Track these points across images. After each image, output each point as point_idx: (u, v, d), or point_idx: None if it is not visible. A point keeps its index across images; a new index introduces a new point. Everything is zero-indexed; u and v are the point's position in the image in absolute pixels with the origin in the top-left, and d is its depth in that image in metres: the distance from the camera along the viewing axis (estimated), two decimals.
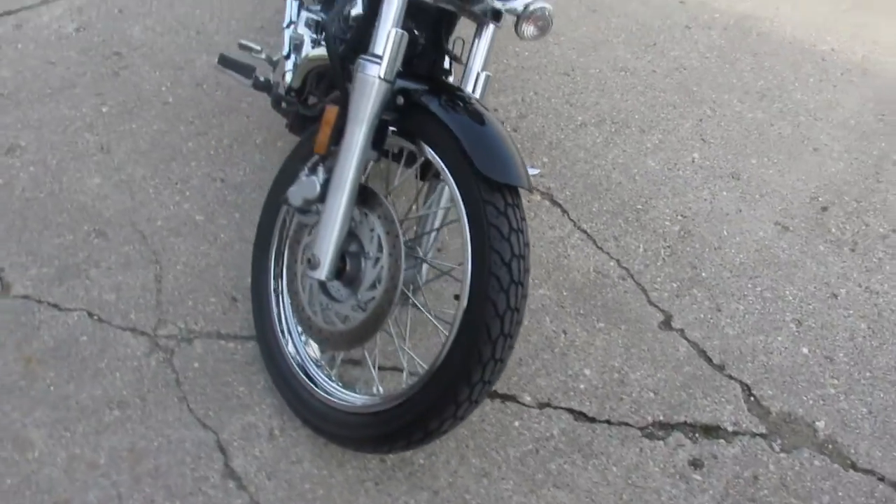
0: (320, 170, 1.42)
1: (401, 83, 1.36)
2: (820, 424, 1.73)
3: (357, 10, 1.60)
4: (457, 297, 1.35)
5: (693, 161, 2.44)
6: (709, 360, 1.83)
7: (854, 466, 1.66)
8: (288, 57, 2.01)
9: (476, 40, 1.52)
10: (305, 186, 1.42)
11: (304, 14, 1.93)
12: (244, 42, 1.94)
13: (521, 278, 1.25)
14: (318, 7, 1.87)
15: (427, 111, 1.34)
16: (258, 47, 1.92)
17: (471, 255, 1.26)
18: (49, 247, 1.87)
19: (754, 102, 2.75)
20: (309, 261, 1.38)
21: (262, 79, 1.94)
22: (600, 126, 2.53)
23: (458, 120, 1.31)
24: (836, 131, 2.66)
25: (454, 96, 1.38)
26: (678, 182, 2.35)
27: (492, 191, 1.27)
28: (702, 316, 1.94)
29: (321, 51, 1.73)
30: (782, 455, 1.66)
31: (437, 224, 1.53)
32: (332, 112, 1.37)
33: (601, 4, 3.16)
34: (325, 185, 1.40)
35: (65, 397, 1.57)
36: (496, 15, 1.48)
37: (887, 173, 2.50)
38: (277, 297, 1.62)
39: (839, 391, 1.81)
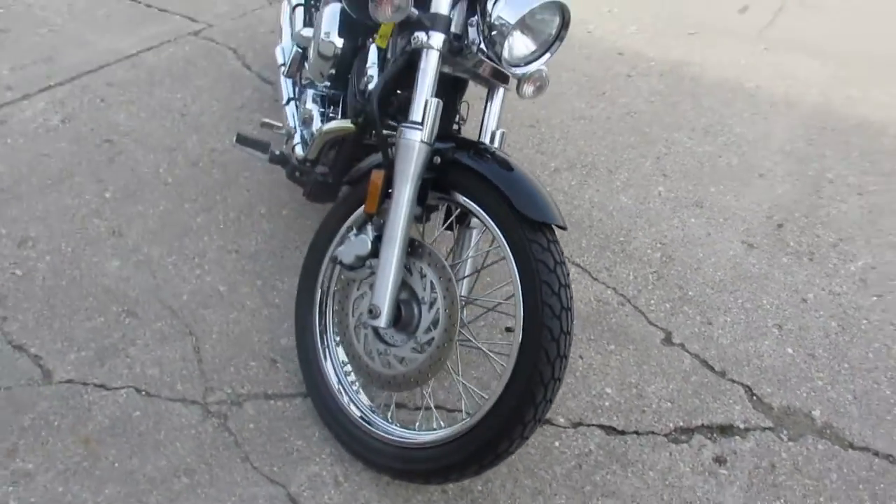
0: (369, 228, 1.56)
1: (436, 144, 1.52)
2: (816, 413, 1.94)
3: (373, 84, 1.78)
4: (509, 329, 1.50)
5: (660, 194, 2.69)
6: (711, 368, 2.03)
7: (852, 446, 1.87)
8: (295, 131, 2.15)
9: (489, 102, 1.71)
10: (356, 245, 1.56)
11: (310, 91, 2.09)
12: (266, 120, 2.08)
13: (569, 304, 1.42)
14: (327, 84, 2.03)
15: (463, 166, 1.51)
16: (279, 124, 2.06)
17: (521, 288, 1.42)
18: (82, 331, 1.92)
19: (701, 138, 3.05)
20: (370, 311, 1.50)
21: (277, 153, 2.07)
22: (572, 170, 2.76)
23: (493, 170, 1.49)
24: (775, 157, 2.98)
25: (482, 151, 1.55)
26: (651, 214, 2.58)
27: (534, 230, 1.44)
28: (696, 330, 2.14)
29: (337, 123, 1.88)
30: (790, 443, 1.85)
31: (468, 269, 1.69)
32: (378, 176, 1.53)
33: (550, 62, 3.44)
34: (376, 241, 1.54)
35: (131, 472, 1.63)
36: (505, 78, 1.68)
37: (825, 190, 2.81)
38: (326, 351, 1.73)
39: (826, 383, 2.03)
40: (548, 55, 1.58)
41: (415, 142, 1.48)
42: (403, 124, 1.51)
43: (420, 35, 1.50)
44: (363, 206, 1.65)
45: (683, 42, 3.83)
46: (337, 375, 1.72)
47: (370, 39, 1.86)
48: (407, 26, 1.63)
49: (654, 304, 2.22)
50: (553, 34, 1.56)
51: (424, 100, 1.50)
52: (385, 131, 1.74)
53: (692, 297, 2.25)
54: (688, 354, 2.06)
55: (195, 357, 1.89)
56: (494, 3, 1.52)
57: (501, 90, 1.71)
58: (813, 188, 2.82)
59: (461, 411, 1.73)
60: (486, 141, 1.70)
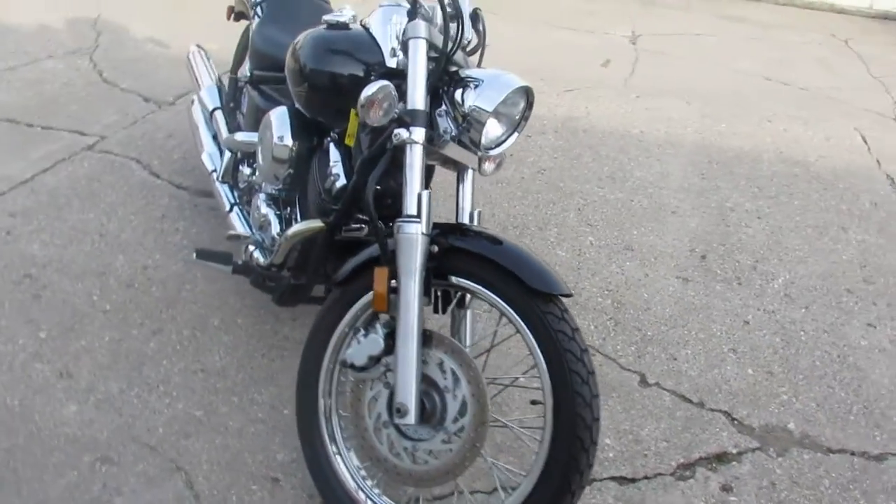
0: (378, 326, 1.55)
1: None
2: (791, 426, 2.09)
3: (341, 182, 1.79)
4: (534, 402, 1.53)
5: (591, 244, 2.83)
6: (690, 401, 2.14)
7: (830, 450, 2.02)
8: (247, 238, 2.11)
9: (461, 185, 1.77)
10: (368, 345, 1.54)
11: (260, 195, 2.05)
12: (232, 232, 2.02)
13: (593, 369, 1.47)
14: (279, 186, 2.00)
15: (461, 250, 1.54)
16: (247, 232, 2.01)
17: (544, 360, 1.46)
18: (57, 490, 1.75)
19: (610, 185, 3.26)
20: (398, 410, 1.48)
21: (240, 263, 2.02)
22: (506, 232, 2.85)
23: (491, 249, 1.53)
24: (678, 195, 3.23)
25: (473, 232, 1.59)
26: (590, 263, 2.71)
27: (545, 302, 1.48)
28: (665, 367, 2.26)
29: (305, 225, 1.86)
30: (780, 459, 1.98)
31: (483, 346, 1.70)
32: (382, 273, 1.53)
33: None
34: (387, 338, 1.53)
35: None
36: (472, 160, 1.74)
37: (730, 218, 3.08)
38: (339, 458, 1.68)
39: (789, 396, 2.20)
40: (515, 135, 1.67)
41: (415, 235, 1.50)
42: (400, 219, 1.52)
43: (401, 132, 1.54)
44: (361, 305, 1.64)
45: (565, 99, 4.10)
46: (355, 481, 1.67)
47: (327, 139, 1.87)
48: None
49: (621, 349, 2.32)
50: (519, 116, 1.64)
51: (417, 193, 1.53)
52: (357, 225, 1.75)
53: (652, 337, 2.38)
54: (666, 392, 2.17)
55: (191, 494, 1.76)
56: (463, 93, 1.60)
57: (470, 171, 1.77)
58: (719, 218, 3.08)
59: (497, 490, 1.72)
60: (466, 219, 1.75)
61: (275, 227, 2.01)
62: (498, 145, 1.65)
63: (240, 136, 2.29)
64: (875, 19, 6.59)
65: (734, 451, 1.99)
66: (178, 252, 2.60)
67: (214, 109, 2.60)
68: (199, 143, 2.61)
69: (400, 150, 1.56)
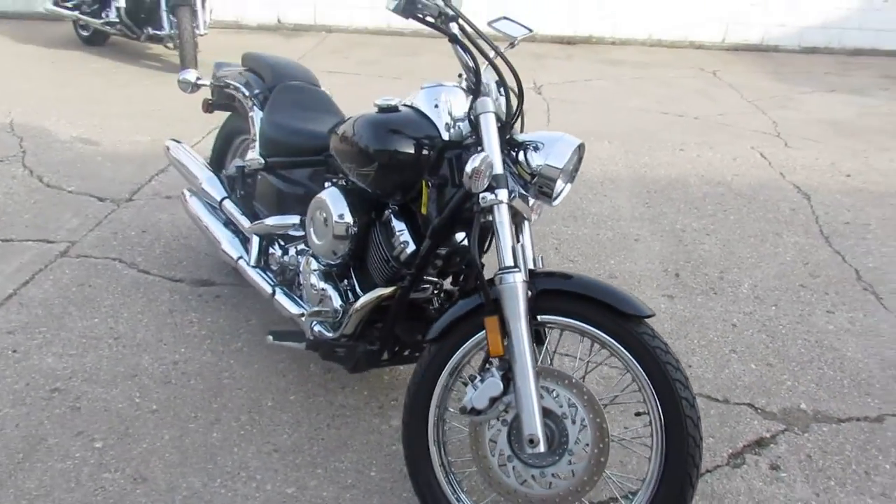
0: (493, 370, 1.71)
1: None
2: (803, 406, 2.41)
3: (410, 248, 1.95)
4: (638, 414, 1.73)
5: None
6: (717, 400, 2.42)
7: (840, 420, 2.35)
8: (305, 314, 2.20)
9: (521, 235, 1.95)
10: (488, 388, 1.68)
11: (313, 272, 2.16)
12: (292, 312, 2.12)
13: (687, 375, 1.69)
14: (336, 261, 2.12)
15: (551, 291, 1.73)
16: (300, 310, 2.13)
17: (645, 374, 1.66)
18: None
19: (573, 223, 3.56)
20: (530, 441, 1.64)
21: (312, 339, 2.10)
22: None
23: (579, 286, 1.74)
24: (634, 223, 3.58)
25: (555, 274, 1.79)
26: None
27: (636, 324, 1.70)
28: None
29: (374, 294, 2.00)
30: (806, 435, 2.28)
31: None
32: (493, 321, 1.69)
33: None
34: (504, 378, 1.69)
35: None
36: (527, 212, 1.95)
37: (685, 238, 3.46)
38: (455, 497, 1.80)
39: (792, 382, 2.52)
40: (569, 186, 1.90)
41: (517, 283, 1.69)
42: (499, 272, 1.70)
43: (487, 195, 1.73)
44: (459, 356, 1.79)
45: None
46: None
47: (386, 211, 2.02)
48: (444, 188, 1.86)
49: None
50: (573, 169, 1.88)
51: (511, 246, 1.72)
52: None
53: None
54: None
55: None
56: (526, 155, 1.81)
57: (527, 222, 1.98)
58: (676, 239, 3.45)
59: (617, 501, 1.88)
60: (531, 266, 1.94)
61: (336, 300, 2.11)
62: (557, 196, 1.87)
63: (272, 221, 2.38)
64: (729, 51, 7.48)
65: (768, 436, 2.27)
66: (202, 343, 2.61)
67: (223, 199, 2.67)
68: (212, 235, 2.66)
69: (487, 212, 1.74)
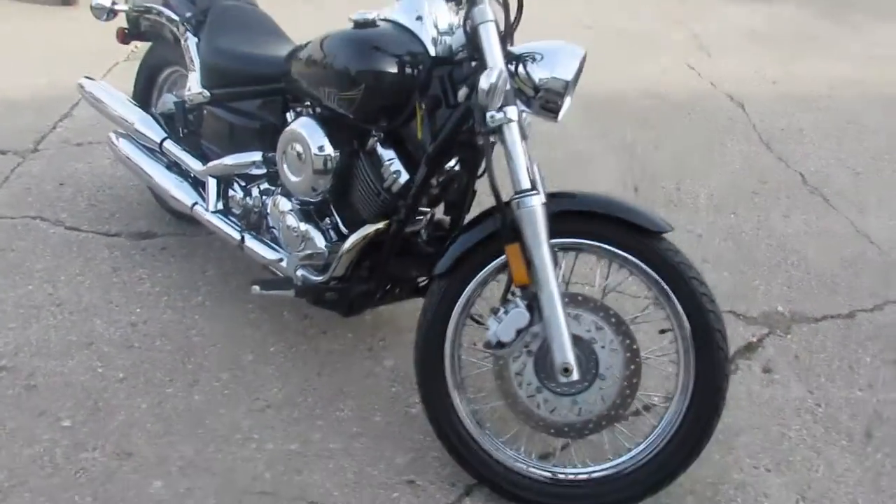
0: (518, 301, 1.61)
1: None
2: (780, 308, 2.47)
3: (403, 178, 1.80)
4: (662, 331, 1.70)
5: None
6: None
7: (817, 319, 2.43)
8: (283, 259, 2.03)
9: None
10: (513, 320, 1.59)
11: (288, 213, 1.97)
12: (266, 257, 2.00)
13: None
14: (315, 198, 1.95)
15: (568, 212, 1.64)
16: (278, 255, 2.05)
17: (671, 290, 1.62)
18: None
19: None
20: (564, 370, 1.57)
21: (300, 285, 1.94)
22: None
23: (598, 203, 1.66)
24: (584, 140, 3.54)
25: (567, 194, 1.69)
26: None
27: (658, 240, 1.64)
28: None
29: (366, 230, 1.85)
30: (789, 336, 2.35)
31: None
32: (514, 248, 1.59)
33: None
34: (530, 308, 1.60)
35: None
36: None
37: (635, 152, 3.44)
38: (488, 440, 1.73)
39: (765, 286, 2.58)
40: (570, 99, 1.78)
41: (537, 206, 1.58)
42: (517, 196, 1.59)
43: (496, 114, 1.59)
44: (471, 289, 1.69)
45: None
46: (509, 453, 1.73)
47: (372, 139, 1.85)
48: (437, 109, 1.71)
49: None
50: (574, 80, 1.76)
51: (526, 167, 1.60)
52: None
53: None
54: None
55: None
56: (527, 67, 1.68)
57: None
58: (628, 154, 3.44)
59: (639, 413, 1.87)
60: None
61: (320, 241, 1.95)
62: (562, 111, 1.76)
63: (231, 160, 2.16)
64: None
65: (755, 340, 2.32)
66: (158, 301, 2.39)
67: (164, 140, 2.40)
68: (156, 182, 2.40)
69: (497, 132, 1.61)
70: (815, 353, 2.28)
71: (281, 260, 2.03)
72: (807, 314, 2.44)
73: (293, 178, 1.94)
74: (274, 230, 2.14)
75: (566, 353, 1.58)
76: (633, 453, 1.70)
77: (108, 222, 2.79)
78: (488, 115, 1.60)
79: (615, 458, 1.72)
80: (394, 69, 1.72)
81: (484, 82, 1.53)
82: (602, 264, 1.74)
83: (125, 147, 2.53)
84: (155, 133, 2.41)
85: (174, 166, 2.43)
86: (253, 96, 2.17)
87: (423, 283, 2.05)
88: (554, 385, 1.64)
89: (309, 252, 1.95)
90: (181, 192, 2.31)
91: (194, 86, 2.31)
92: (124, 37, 2.67)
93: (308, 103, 2.01)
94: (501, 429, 1.83)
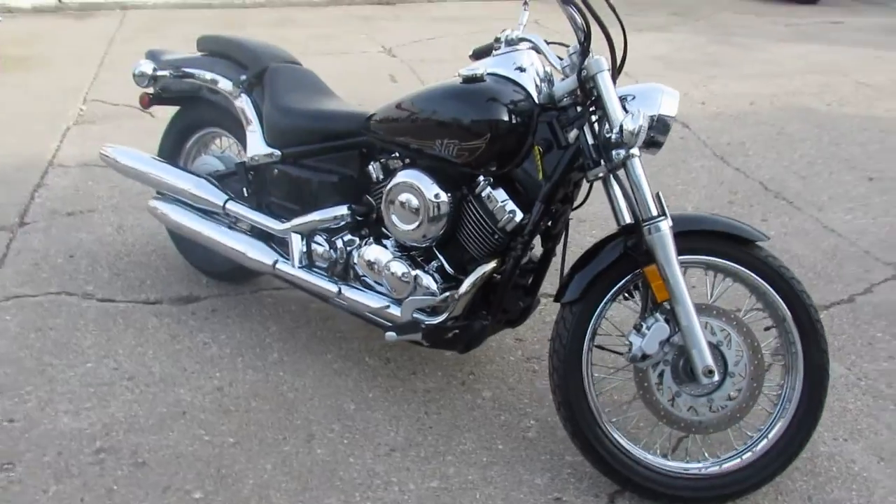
0: (657, 315, 1.79)
1: None
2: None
3: (519, 217, 1.93)
4: (767, 328, 1.93)
5: None
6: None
7: (825, 307, 2.76)
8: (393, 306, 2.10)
9: (616, 187, 2.02)
10: (656, 334, 1.77)
11: (391, 261, 2.05)
12: (374, 305, 2.13)
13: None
14: (423, 245, 2.04)
15: (688, 233, 1.84)
16: (383, 303, 2.12)
17: (775, 291, 1.85)
18: None
19: None
20: (709, 373, 1.76)
21: (424, 325, 2.02)
22: None
23: (707, 222, 1.88)
24: None
25: (675, 216, 1.88)
26: None
27: (758, 250, 1.88)
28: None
29: (483, 270, 1.97)
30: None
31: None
32: (653, 269, 1.77)
33: None
34: (668, 321, 1.79)
35: None
36: None
37: None
38: (630, 447, 1.88)
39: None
40: None
41: (666, 231, 1.77)
42: (649, 223, 1.78)
43: (621, 151, 1.78)
44: (599, 312, 1.85)
45: None
46: (646, 454, 1.89)
47: (481, 182, 1.96)
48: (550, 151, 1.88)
49: None
50: None
51: (652, 195, 1.79)
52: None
53: None
54: None
55: None
56: (626, 107, 1.87)
57: None
58: None
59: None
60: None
61: (432, 284, 2.03)
62: None
63: (318, 216, 2.20)
64: (540, 1, 7.92)
65: None
66: (234, 363, 2.37)
67: (227, 202, 2.40)
68: (223, 245, 2.38)
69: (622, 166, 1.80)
70: (837, 335, 2.60)
71: (387, 307, 2.10)
72: (818, 304, 2.76)
73: (404, 227, 2.02)
74: (365, 278, 2.20)
75: (707, 358, 1.77)
76: (755, 441, 1.90)
77: (143, 290, 2.72)
78: (614, 152, 1.78)
79: (739, 448, 1.92)
80: (512, 118, 1.87)
81: (631, 125, 1.71)
82: (709, 276, 1.95)
83: (174, 212, 2.50)
84: (215, 196, 2.41)
85: (234, 228, 2.43)
86: (331, 152, 2.24)
87: (510, 316, 2.17)
88: (691, 388, 1.83)
89: (423, 296, 2.03)
90: (258, 252, 2.31)
91: (257, 146, 2.34)
92: (149, 102, 2.64)
93: (396, 154, 2.11)
94: (637, 435, 1.98)
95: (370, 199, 2.20)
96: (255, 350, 2.43)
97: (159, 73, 2.48)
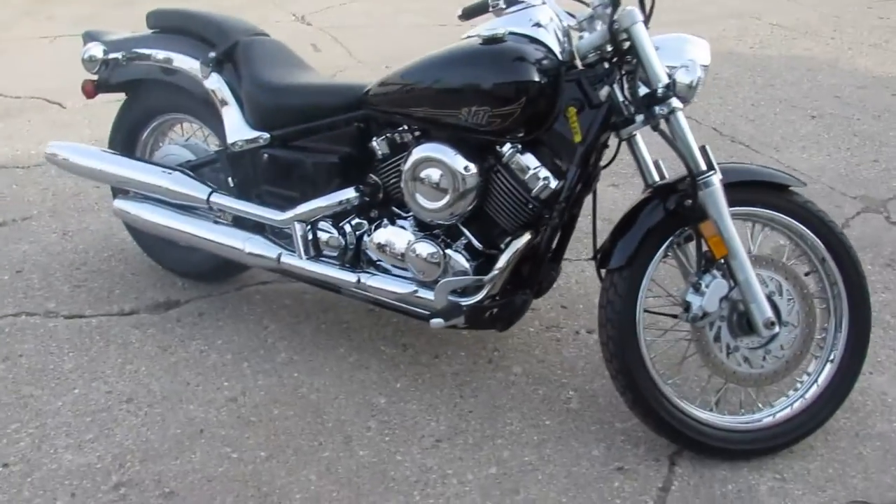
0: (714, 272, 1.75)
1: None
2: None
3: (554, 183, 1.84)
4: (807, 273, 1.93)
5: None
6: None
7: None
8: (419, 287, 1.96)
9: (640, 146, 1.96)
10: (716, 290, 1.73)
11: (414, 242, 1.92)
12: (400, 291, 1.99)
13: None
14: (449, 222, 1.91)
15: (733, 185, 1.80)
16: (409, 287, 1.99)
17: (815, 235, 1.84)
18: None
19: None
20: (770, 324, 1.74)
21: (465, 307, 1.90)
22: None
23: (747, 173, 1.86)
24: None
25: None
26: None
27: (796, 196, 1.86)
28: None
29: (518, 244, 1.87)
30: None
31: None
32: (708, 225, 1.72)
33: None
34: (725, 276, 1.75)
35: None
36: None
37: None
38: (693, 408, 1.85)
39: None
40: None
41: (718, 185, 1.73)
42: (700, 178, 1.72)
43: (662, 108, 1.71)
44: (649, 275, 1.80)
45: None
46: (705, 412, 1.88)
47: (508, 149, 1.84)
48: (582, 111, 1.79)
49: None
50: None
51: (697, 149, 1.73)
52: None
53: None
54: None
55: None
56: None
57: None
58: None
59: None
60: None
61: (464, 263, 1.92)
62: None
63: (324, 201, 2.03)
64: None
65: None
66: (239, 369, 2.17)
67: (211, 194, 2.17)
68: (216, 242, 2.16)
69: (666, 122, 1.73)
70: None
71: (415, 291, 1.96)
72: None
73: (431, 205, 1.88)
74: (381, 263, 2.06)
75: (766, 310, 1.75)
76: (805, 387, 1.91)
77: (113, 301, 2.46)
78: (658, 108, 1.71)
79: (791, 396, 1.92)
80: (544, 78, 1.76)
81: (686, 77, 1.64)
82: (747, 226, 1.92)
83: (147, 212, 2.25)
84: (198, 189, 2.17)
85: (220, 221, 2.22)
86: (326, 130, 2.06)
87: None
88: (748, 341, 1.81)
89: (456, 277, 1.91)
90: (258, 246, 2.11)
91: (239, 130, 2.13)
92: (94, 90, 2.35)
93: (404, 128, 1.96)
94: (691, 393, 1.96)
95: (375, 177, 2.05)
96: (260, 352, 2.24)
97: (111, 55, 2.19)
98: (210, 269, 2.43)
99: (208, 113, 2.24)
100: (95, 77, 2.34)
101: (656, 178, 1.85)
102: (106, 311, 2.41)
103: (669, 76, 1.70)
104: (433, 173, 1.86)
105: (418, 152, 1.88)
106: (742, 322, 1.79)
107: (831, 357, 1.90)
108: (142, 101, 2.38)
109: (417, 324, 2.32)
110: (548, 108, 1.79)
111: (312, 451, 1.91)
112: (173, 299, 2.47)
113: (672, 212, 1.77)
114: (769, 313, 1.75)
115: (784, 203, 1.85)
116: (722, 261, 1.76)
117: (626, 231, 1.82)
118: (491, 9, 1.96)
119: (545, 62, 1.77)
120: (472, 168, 1.85)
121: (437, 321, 1.91)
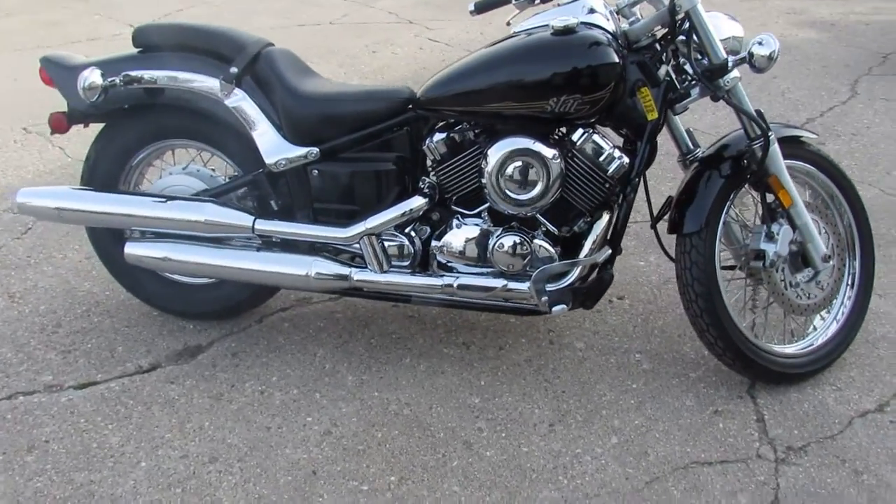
0: (780, 220, 1.96)
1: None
2: None
3: (625, 161, 1.94)
4: None
5: None
6: None
7: None
8: (509, 282, 1.97)
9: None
10: (785, 236, 1.94)
11: (495, 238, 1.94)
12: (511, 287, 1.98)
13: None
14: (528, 214, 1.93)
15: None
16: (500, 283, 2.01)
17: (828, 178, 2.14)
18: None
19: None
20: (827, 259, 1.99)
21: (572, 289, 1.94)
22: None
23: (787, 130, 2.08)
24: None
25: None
26: None
27: (809, 145, 2.13)
28: None
29: (600, 226, 1.96)
30: None
31: None
32: (775, 179, 1.91)
33: None
34: (790, 223, 1.97)
35: None
36: None
37: None
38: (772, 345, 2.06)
39: None
40: None
41: (776, 144, 1.93)
42: (755, 144, 1.90)
43: (724, 81, 1.87)
44: (720, 235, 1.97)
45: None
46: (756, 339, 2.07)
47: (581, 133, 1.91)
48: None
49: None
50: None
51: (754, 112, 1.92)
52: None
53: None
54: None
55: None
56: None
57: None
58: None
59: None
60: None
61: (549, 249, 1.96)
62: None
63: (392, 213, 1.95)
64: None
65: None
66: (313, 401, 2.03)
67: (255, 221, 1.98)
68: (266, 273, 1.99)
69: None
70: None
71: (506, 285, 1.97)
72: None
73: (524, 197, 1.90)
74: (450, 264, 2.03)
75: (822, 247, 2.01)
76: (837, 311, 2.18)
77: (122, 360, 2.17)
78: (725, 79, 1.87)
79: (828, 320, 2.19)
80: (621, 61, 1.84)
81: (764, 51, 1.80)
82: None
83: (177, 253, 2.01)
84: (240, 218, 1.97)
85: (264, 248, 2.05)
86: (376, 137, 1.99)
87: None
88: (803, 276, 2.05)
89: (546, 265, 1.94)
90: (325, 267, 1.97)
91: (279, 148, 1.97)
92: (66, 123, 2.05)
93: (464, 125, 1.97)
94: (757, 332, 2.15)
95: (431, 179, 2.02)
96: (325, 380, 2.11)
97: (108, 81, 1.92)
98: (234, 304, 2.23)
99: (218, 134, 2.05)
100: (65, 109, 2.03)
101: (691, 146, 2.03)
102: (121, 371, 2.11)
103: (733, 51, 1.87)
104: (522, 166, 1.87)
105: (501, 147, 1.88)
106: (797, 260, 2.03)
107: (852, 282, 2.20)
108: (128, 130, 2.10)
109: (462, 320, 2.33)
110: (624, 89, 1.88)
111: (440, 463, 1.85)
112: (192, 344, 2.23)
113: (729, 175, 1.95)
114: (825, 249, 2.00)
115: (804, 153, 2.10)
116: (782, 210, 1.98)
117: (693, 198, 1.97)
118: (514, 2, 2.01)
119: (615, 47, 1.86)
120: (558, 156, 1.89)
121: (559, 307, 1.93)
